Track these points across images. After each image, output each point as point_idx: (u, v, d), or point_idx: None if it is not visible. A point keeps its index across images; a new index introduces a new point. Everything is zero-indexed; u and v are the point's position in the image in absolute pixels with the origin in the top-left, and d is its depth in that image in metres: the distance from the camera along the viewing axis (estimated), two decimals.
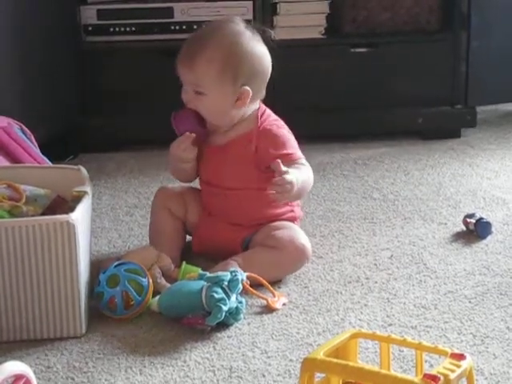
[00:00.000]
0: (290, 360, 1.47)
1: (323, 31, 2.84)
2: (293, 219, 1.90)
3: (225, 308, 1.56)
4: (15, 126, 2.07)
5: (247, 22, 1.89)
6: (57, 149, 2.49)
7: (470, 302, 1.67)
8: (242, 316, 1.62)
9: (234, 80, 1.80)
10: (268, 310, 1.66)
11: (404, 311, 1.64)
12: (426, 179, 2.47)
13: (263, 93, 1.87)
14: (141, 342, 1.55)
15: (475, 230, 2.01)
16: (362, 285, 1.77)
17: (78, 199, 1.63)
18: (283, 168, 1.70)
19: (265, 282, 1.72)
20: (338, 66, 2.85)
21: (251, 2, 2.78)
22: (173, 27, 2.78)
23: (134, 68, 2.81)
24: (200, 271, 1.68)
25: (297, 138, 1.88)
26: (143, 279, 1.65)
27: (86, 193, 1.66)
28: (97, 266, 1.75)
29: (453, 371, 1.15)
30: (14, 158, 1.98)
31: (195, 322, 1.57)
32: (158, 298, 1.65)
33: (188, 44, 1.84)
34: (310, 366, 1.21)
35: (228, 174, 1.87)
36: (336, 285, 1.77)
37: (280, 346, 1.52)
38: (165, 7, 2.80)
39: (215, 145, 1.89)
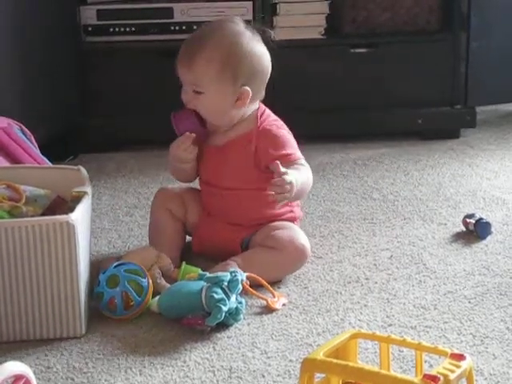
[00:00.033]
0: (290, 360, 1.47)
1: (323, 31, 2.84)
2: (292, 219, 1.90)
3: (224, 308, 1.56)
4: (15, 127, 2.07)
5: (247, 22, 1.89)
6: (57, 149, 2.49)
7: (469, 302, 1.67)
8: (241, 316, 1.62)
9: (234, 80, 1.80)
10: (268, 310, 1.66)
11: (404, 311, 1.64)
12: (425, 179, 2.47)
13: (263, 93, 1.87)
14: (141, 342, 1.55)
15: (475, 231, 2.01)
16: (362, 285, 1.77)
17: (77, 199, 1.63)
18: (282, 169, 1.70)
19: (264, 282, 1.72)
20: (338, 67, 2.85)
21: (251, 3, 2.79)
22: (173, 27, 2.78)
23: (133, 68, 2.81)
24: (200, 271, 1.68)
25: (296, 138, 1.88)
26: (143, 280, 1.65)
27: (85, 193, 1.66)
28: (96, 267, 1.76)
29: (452, 371, 1.15)
30: (13, 159, 1.98)
31: (195, 323, 1.57)
32: (157, 298, 1.65)
33: (187, 44, 1.84)
34: (309, 366, 1.21)
35: (227, 174, 1.87)
36: (336, 285, 1.77)
37: (280, 346, 1.52)
38: (165, 7, 2.80)
39: (215, 145, 1.89)
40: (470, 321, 1.59)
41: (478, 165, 2.59)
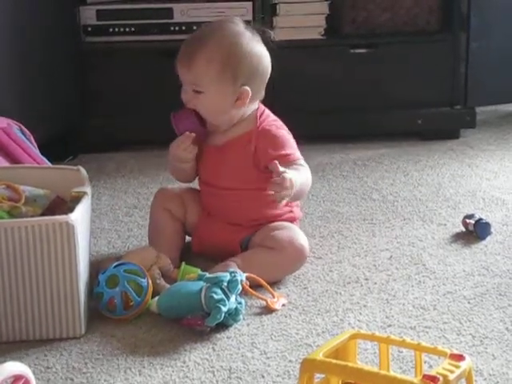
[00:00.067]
0: (290, 361, 1.47)
1: (323, 32, 2.84)
2: (292, 220, 1.90)
3: (224, 309, 1.56)
4: (15, 127, 2.07)
5: (247, 22, 1.89)
6: (56, 149, 2.49)
7: (469, 302, 1.67)
8: (241, 317, 1.62)
9: (234, 80, 1.80)
10: (267, 310, 1.66)
11: (403, 312, 1.64)
12: (425, 180, 2.47)
13: (262, 93, 1.87)
14: (140, 342, 1.55)
15: (474, 231, 2.01)
16: (362, 285, 1.77)
17: (77, 200, 1.63)
18: (281, 168, 1.70)
19: (264, 282, 1.72)
20: (338, 67, 2.85)
21: (251, 3, 2.79)
22: (172, 28, 2.79)
23: (133, 68, 2.81)
24: (199, 272, 1.68)
25: (296, 138, 1.88)
26: (142, 280, 1.65)
27: (85, 193, 1.66)
28: (96, 267, 1.75)
29: (452, 372, 1.15)
30: (13, 159, 1.98)
31: (194, 323, 1.57)
32: (157, 298, 1.65)
33: (187, 44, 1.84)
34: (309, 366, 1.21)
35: (227, 174, 1.87)
36: (335, 285, 1.77)
37: (279, 346, 1.52)
38: (164, 8, 2.80)
39: (214, 145, 1.89)
40: (470, 321, 1.59)
41: (477, 165, 2.59)
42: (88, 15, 2.78)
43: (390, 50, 2.87)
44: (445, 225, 2.10)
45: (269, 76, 1.86)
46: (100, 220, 2.19)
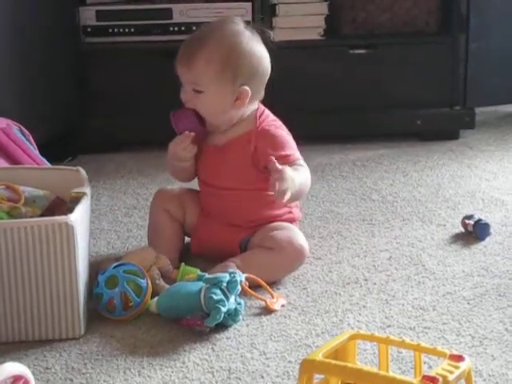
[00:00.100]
0: (289, 361, 1.47)
1: (322, 32, 2.85)
2: (291, 220, 1.90)
3: (223, 309, 1.56)
4: (14, 127, 2.07)
5: (247, 22, 1.89)
6: (56, 150, 2.49)
7: (468, 303, 1.67)
8: (240, 317, 1.62)
9: (233, 79, 1.80)
10: (267, 311, 1.66)
11: (403, 312, 1.64)
12: (424, 180, 2.47)
13: (262, 93, 1.87)
14: (139, 343, 1.55)
15: (474, 232, 2.01)
16: (361, 286, 1.77)
17: (76, 200, 1.63)
18: (278, 166, 1.70)
19: (263, 283, 1.72)
20: (337, 68, 2.85)
21: (250, 4, 2.79)
22: (172, 28, 2.79)
23: (132, 69, 2.82)
24: (199, 272, 1.68)
25: (295, 138, 1.88)
26: (142, 280, 1.65)
27: (84, 194, 1.66)
28: (95, 267, 1.75)
29: (451, 372, 1.15)
30: (13, 159, 1.98)
31: (194, 324, 1.57)
32: (156, 299, 1.65)
33: (187, 43, 1.84)
34: (308, 367, 1.21)
35: (226, 174, 1.87)
36: (335, 286, 1.77)
37: (279, 347, 1.52)
38: (164, 8, 2.80)
39: (214, 144, 1.89)
40: (469, 322, 1.59)
41: (477, 166, 2.59)
42: (87, 16, 2.78)
43: (389, 50, 2.87)
44: (444, 225, 2.10)
45: (268, 76, 1.86)
46: (99, 221, 2.19)
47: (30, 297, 1.53)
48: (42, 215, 1.69)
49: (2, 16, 2.36)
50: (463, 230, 2.05)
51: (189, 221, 1.93)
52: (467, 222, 2.03)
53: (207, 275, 1.63)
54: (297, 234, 1.82)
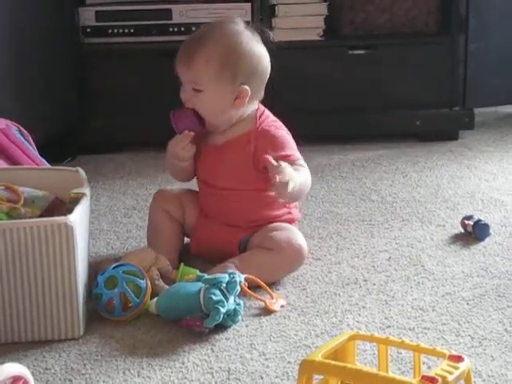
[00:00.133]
0: (288, 362, 1.47)
1: (321, 33, 2.85)
2: (290, 221, 1.90)
3: (223, 310, 1.56)
4: (13, 128, 2.07)
5: (246, 22, 1.89)
6: (55, 150, 2.49)
7: (467, 303, 1.67)
8: (240, 318, 1.62)
9: (233, 79, 1.80)
10: (266, 311, 1.66)
11: (402, 313, 1.64)
12: (424, 181, 2.47)
13: (262, 93, 1.87)
14: (139, 343, 1.55)
15: (473, 232, 2.01)
16: (360, 287, 1.77)
17: (76, 201, 1.63)
18: (274, 162, 1.70)
19: (263, 283, 1.72)
20: (336, 68, 2.85)
21: (249, 4, 2.79)
22: (171, 29, 2.79)
23: (132, 69, 2.82)
24: (198, 273, 1.68)
25: (295, 139, 1.88)
26: (141, 281, 1.65)
27: (84, 194, 1.66)
28: (95, 268, 1.75)
29: (451, 373, 1.15)
30: (12, 160, 1.98)
31: (193, 324, 1.57)
32: (156, 299, 1.65)
33: (187, 43, 1.84)
34: (308, 367, 1.21)
35: (225, 174, 1.87)
36: (334, 287, 1.77)
37: (278, 347, 1.52)
38: (163, 9, 2.80)
39: (213, 144, 1.89)
40: (469, 322, 1.59)
41: (476, 166, 2.59)
42: (87, 16, 2.78)
43: (388, 51, 2.87)
44: (443, 226, 2.10)
45: (268, 76, 1.86)
46: (99, 221, 2.19)
47: (29, 297, 1.53)
48: (41, 216, 1.69)
49: (2, 16, 2.36)
50: (462, 231, 2.05)
51: (188, 221, 1.93)
52: (467, 222, 2.03)
53: (206, 276, 1.63)
54: (296, 235, 1.83)
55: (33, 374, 1.34)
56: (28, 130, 2.11)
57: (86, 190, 1.69)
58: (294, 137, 1.88)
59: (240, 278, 1.62)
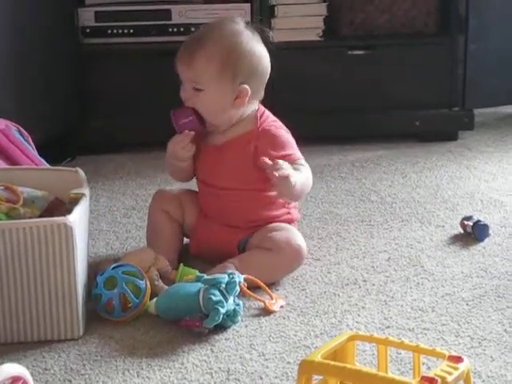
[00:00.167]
0: (288, 362, 1.47)
1: (321, 33, 2.85)
2: (289, 221, 1.90)
3: (222, 310, 1.56)
4: (13, 128, 2.07)
5: (246, 22, 1.89)
6: (54, 151, 2.49)
7: (467, 304, 1.67)
8: (239, 318, 1.62)
9: (233, 78, 1.80)
10: (265, 312, 1.66)
11: (401, 313, 1.64)
12: (423, 182, 2.47)
13: (262, 93, 1.87)
14: (138, 344, 1.55)
15: (473, 233, 2.01)
16: (360, 287, 1.77)
17: (75, 201, 1.63)
18: (270, 162, 1.70)
19: (262, 284, 1.72)
20: (336, 69, 2.85)
21: (249, 5, 2.79)
22: (171, 29, 2.79)
23: (131, 70, 2.82)
24: (197, 273, 1.68)
25: (295, 139, 1.88)
26: (141, 281, 1.65)
27: (83, 195, 1.66)
28: (94, 268, 1.75)
29: (450, 374, 1.15)
30: (11, 160, 1.98)
31: (193, 325, 1.57)
32: (155, 300, 1.65)
33: (188, 42, 1.84)
34: (307, 368, 1.21)
35: (224, 174, 1.87)
36: (333, 287, 1.77)
37: (277, 348, 1.52)
38: (163, 9, 2.80)
39: (213, 144, 1.89)
40: (468, 323, 1.59)
41: (475, 167, 2.59)
42: (86, 17, 2.78)
43: (387, 51, 2.87)
44: (443, 226, 2.10)
45: (268, 76, 1.86)
46: (98, 221, 2.19)
47: (28, 298, 1.53)
48: (40, 216, 1.69)
49: (2, 16, 2.36)
50: (462, 231, 2.05)
51: (188, 222, 1.93)
52: (466, 223, 2.03)
53: (206, 276, 1.63)
54: (295, 235, 1.82)
55: (32, 374, 1.34)
56: (28, 130, 2.11)
57: (86, 191, 1.69)
58: (294, 137, 1.88)
59: (239, 278, 1.62)
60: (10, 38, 2.40)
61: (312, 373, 1.22)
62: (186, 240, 1.96)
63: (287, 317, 1.64)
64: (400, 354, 1.45)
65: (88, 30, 2.78)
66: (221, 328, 1.59)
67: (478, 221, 2.01)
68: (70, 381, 1.43)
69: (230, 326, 1.60)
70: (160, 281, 1.72)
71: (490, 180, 2.46)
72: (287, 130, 1.88)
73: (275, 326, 1.61)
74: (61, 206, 1.72)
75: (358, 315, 1.64)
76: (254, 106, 1.88)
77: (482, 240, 1.99)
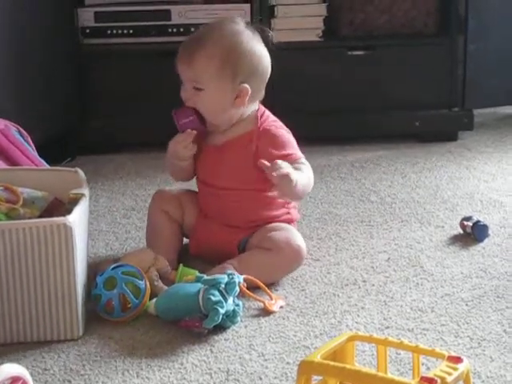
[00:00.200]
0: (287, 363, 1.47)
1: (321, 34, 2.85)
2: (289, 221, 1.90)
3: (222, 311, 1.56)
4: (13, 129, 2.07)
5: (247, 22, 1.89)
6: (54, 151, 2.49)
7: (466, 304, 1.67)
8: (239, 319, 1.62)
9: (233, 77, 1.80)
10: (265, 312, 1.66)
11: (401, 314, 1.64)
12: (423, 182, 2.47)
13: (262, 93, 1.87)
14: (138, 344, 1.55)
15: (472, 233, 2.01)
16: (359, 287, 1.77)
17: (75, 201, 1.63)
18: (267, 163, 1.70)
19: (262, 284, 1.72)
20: (336, 69, 2.85)
21: (249, 5, 2.79)
22: (170, 30, 2.79)
23: (131, 70, 2.82)
24: (197, 274, 1.68)
25: (295, 139, 1.88)
26: (140, 282, 1.65)
27: (83, 195, 1.66)
28: (94, 269, 1.75)
29: (450, 374, 1.15)
30: (11, 161, 1.98)
31: (192, 325, 1.57)
32: (155, 300, 1.65)
33: (188, 42, 1.84)
34: (307, 368, 1.21)
35: (225, 174, 1.87)
36: (333, 287, 1.77)
37: (277, 348, 1.52)
38: (162, 10, 2.80)
39: (214, 144, 1.89)
40: (468, 323, 1.59)
41: (475, 167, 2.59)
42: (86, 17, 2.78)
43: (387, 52, 2.87)
44: (442, 227, 2.10)
45: (268, 76, 1.86)
46: (98, 222, 2.19)
47: (28, 298, 1.53)
48: (40, 216, 1.69)
49: (2, 16, 2.36)
50: (461, 232, 2.05)
51: (187, 222, 1.93)
52: (466, 223, 2.03)
53: (205, 276, 1.63)
54: (295, 235, 1.83)
55: (32, 374, 1.34)
56: (28, 130, 2.11)
57: (85, 191, 1.69)
58: (294, 137, 1.88)
59: (239, 278, 1.62)
60: (9, 38, 2.40)
61: (311, 373, 1.22)
62: (185, 240, 1.96)
63: (287, 317, 1.64)
64: (399, 354, 1.46)
65: (88, 31, 2.78)
66: (220, 328, 1.59)
67: (478, 221, 2.01)
68: (69, 381, 1.43)
69: (230, 327, 1.60)
70: (160, 281, 1.72)
71: (489, 180, 2.46)
72: (288, 129, 1.88)
73: (275, 326, 1.61)
74: (60, 207, 1.72)
75: (358, 316, 1.64)
76: (255, 106, 1.88)
77: (481, 240, 1.99)
